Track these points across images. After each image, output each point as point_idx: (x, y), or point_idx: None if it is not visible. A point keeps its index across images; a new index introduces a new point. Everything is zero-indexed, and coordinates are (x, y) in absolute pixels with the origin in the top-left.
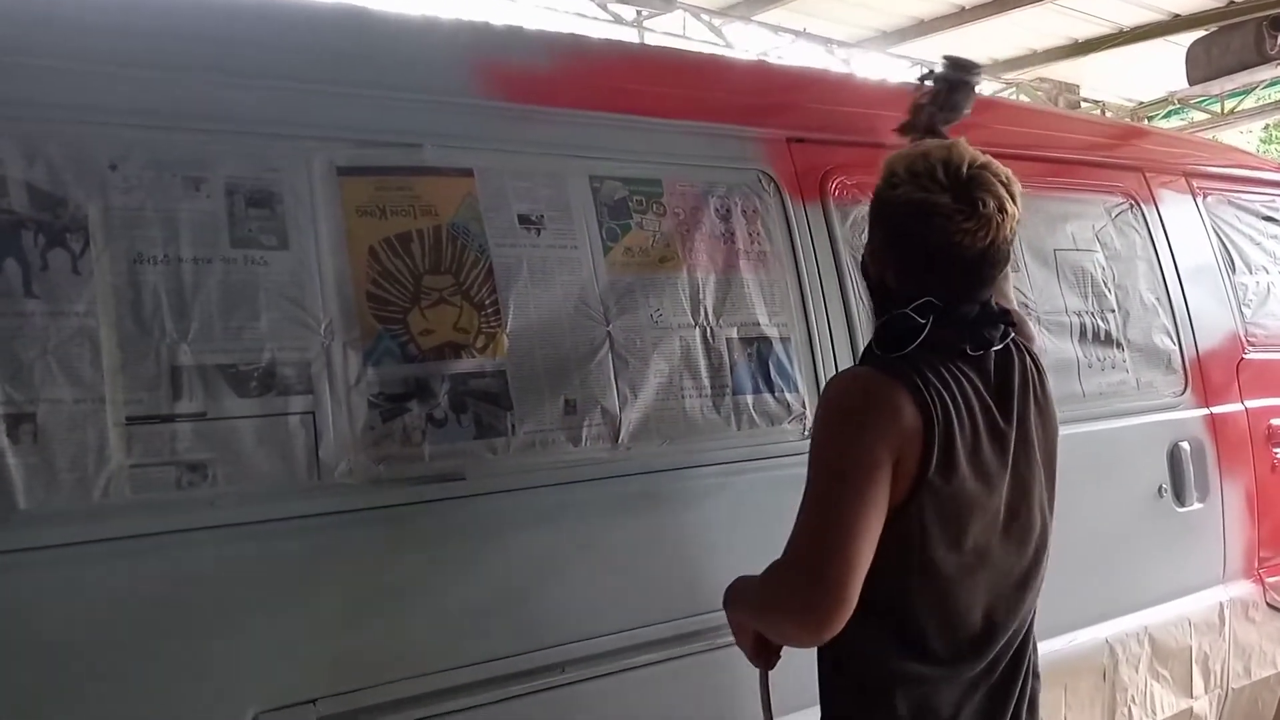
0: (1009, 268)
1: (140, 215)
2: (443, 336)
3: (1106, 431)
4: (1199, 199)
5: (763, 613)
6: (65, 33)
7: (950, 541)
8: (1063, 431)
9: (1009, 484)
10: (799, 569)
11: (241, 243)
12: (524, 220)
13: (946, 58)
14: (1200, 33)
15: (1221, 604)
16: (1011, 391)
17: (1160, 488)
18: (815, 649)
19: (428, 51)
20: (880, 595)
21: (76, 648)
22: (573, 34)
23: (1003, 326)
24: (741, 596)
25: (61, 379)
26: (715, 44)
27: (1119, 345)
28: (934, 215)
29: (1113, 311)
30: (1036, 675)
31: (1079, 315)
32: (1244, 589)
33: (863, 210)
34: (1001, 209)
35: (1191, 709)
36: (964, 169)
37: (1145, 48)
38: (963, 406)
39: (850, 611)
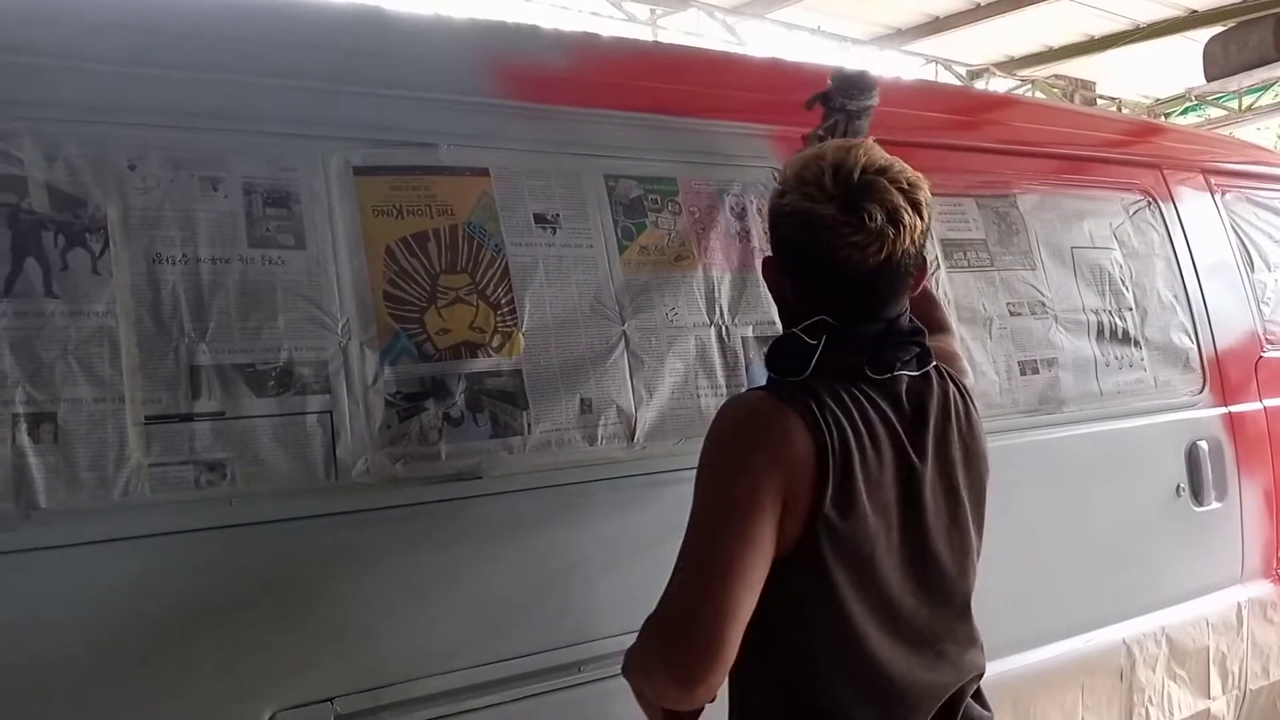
0: (935, 292)
1: (159, 215)
2: (459, 336)
3: (1124, 430)
4: (1217, 196)
5: (642, 673)
6: (83, 33)
7: (855, 587)
8: (1080, 430)
9: (924, 526)
10: (669, 621)
11: (259, 242)
12: (540, 219)
13: (836, 78)
14: (1217, 29)
15: (1240, 604)
16: (927, 423)
17: (1178, 487)
18: None
19: (443, 51)
20: (780, 657)
21: (96, 645)
22: (587, 32)
23: (915, 349)
24: (628, 659)
25: (81, 378)
26: (729, 42)
27: (1136, 343)
28: (819, 228)
29: (1130, 309)
30: None
31: (1096, 313)
32: (1263, 589)
33: None
34: (895, 221)
35: (1209, 710)
36: (855, 175)
37: (1162, 44)
38: (864, 435)
39: (726, 667)
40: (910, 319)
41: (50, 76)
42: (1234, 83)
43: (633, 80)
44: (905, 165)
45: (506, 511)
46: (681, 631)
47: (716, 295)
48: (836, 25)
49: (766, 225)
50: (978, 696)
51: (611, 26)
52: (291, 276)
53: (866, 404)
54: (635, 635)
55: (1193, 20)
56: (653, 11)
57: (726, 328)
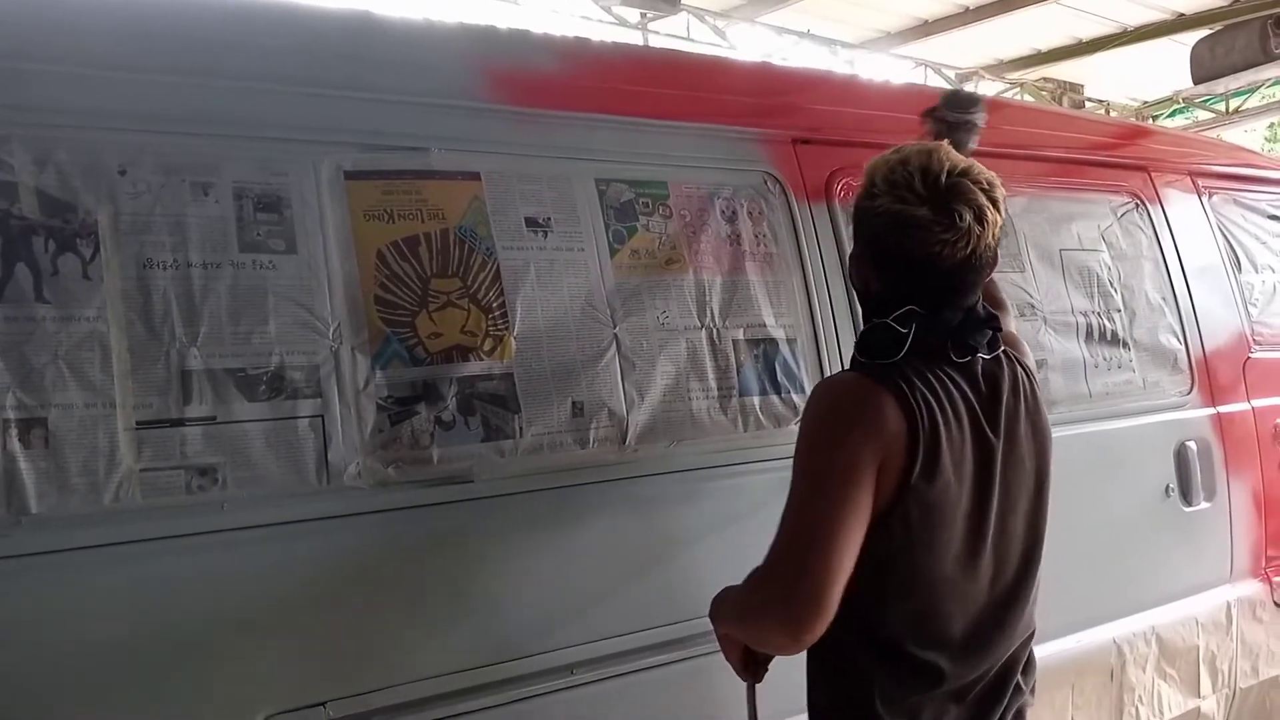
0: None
1: (150, 220)
2: (450, 339)
3: (1113, 431)
4: (1204, 198)
5: (744, 621)
6: (74, 38)
7: (932, 549)
8: (1070, 431)
9: (996, 496)
10: (779, 576)
11: (250, 247)
12: (531, 223)
13: (946, 95)
14: (1204, 32)
15: (1229, 603)
16: (1000, 401)
17: (1167, 487)
18: (805, 660)
19: (434, 55)
20: (860, 604)
21: (88, 651)
22: (578, 37)
23: (990, 333)
24: (725, 608)
25: (73, 384)
26: (719, 46)
27: (1125, 345)
28: (912, 227)
29: (1119, 311)
30: (1029, 691)
31: (1085, 315)
32: (1251, 588)
33: None
34: (980, 219)
35: (1199, 709)
36: (942, 178)
37: (1150, 47)
38: (949, 412)
39: (829, 618)
40: (984, 306)
41: (41, 82)
42: (1221, 85)
43: (623, 85)
44: (982, 166)
45: (498, 514)
46: (794, 587)
47: (707, 298)
48: (826, 29)
49: (852, 225)
50: (1028, 665)
51: (601, 31)
52: (283, 281)
53: (950, 384)
54: (626, 637)
55: (1180, 24)
56: (643, 15)
57: (717, 330)
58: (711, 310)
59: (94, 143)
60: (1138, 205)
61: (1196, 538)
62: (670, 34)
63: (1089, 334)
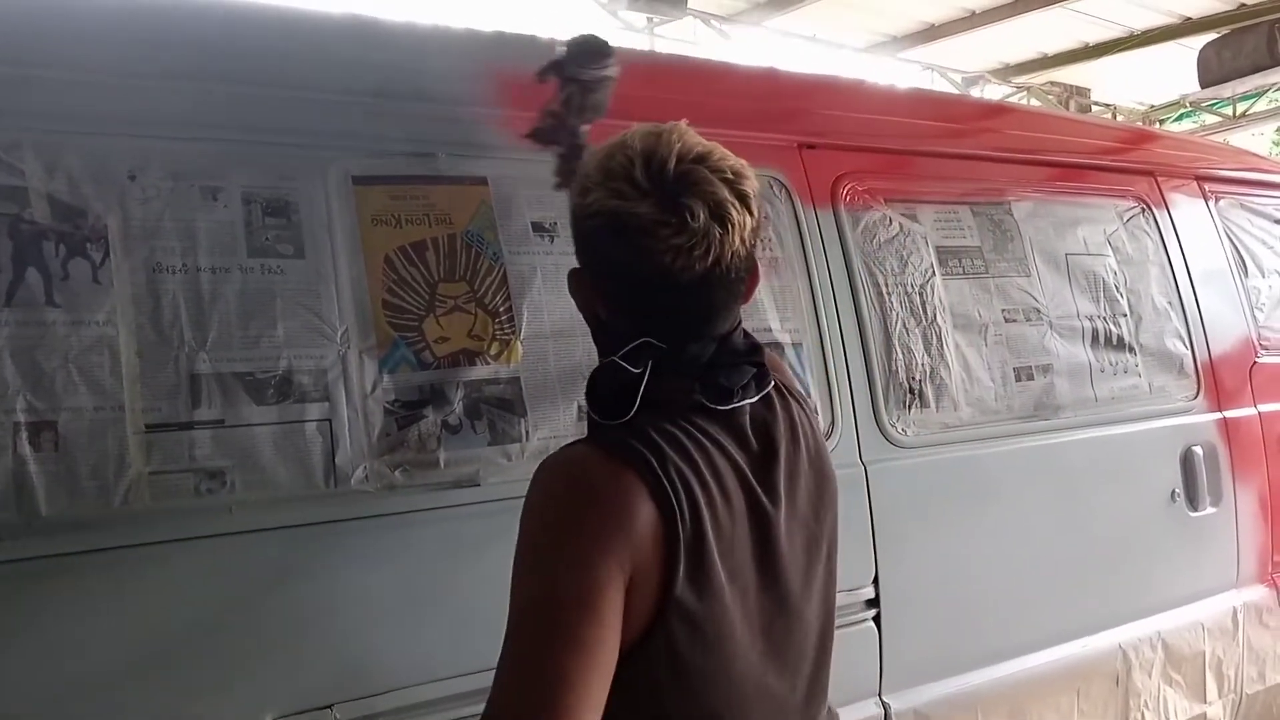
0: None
1: (159, 225)
2: (458, 344)
3: (1119, 436)
4: (1211, 202)
5: None
6: (83, 44)
7: (712, 673)
8: (1075, 436)
9: (782, 580)
10: None
11: (258, 252)
12: (538, 228)
13: (570, 43)
14: (1211, 35)
15: (1235, 609)
16: (778, 458)
17: (1173, 492)
18: None
19: (441, 60)
20: None
21: (96, 654)
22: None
23: (753, 369)
24: None
25: (82, 387)
26: (725, 50)
27: (1131, 349)
28: (632, 231)
29: (1125, 316)
30: None
31: (1091, 320)
32: (1258, 594)
33: (875, 216)
34: (721, 217)
35: (1205, 714)
36: (670, 164)
37: (1156, 51)
38: (714, 487)
39: None
40: (745, 334)
41: (51, 88)
42: (1228, 89)
43: (629, 89)
44: (726, 151)
45: (505, 518)
46: None
47: None
48: (832, 33)
49: (571, 230)
50: None
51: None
52: (291, 285)
53: (709, 445)
54: None
55: (1187, 27)
56: (649, 20)
57: None
58: None
59: (103, 148)
60: (1144, 210)
61: (1203, 543)
62: (676, 39)
63: (1095, 339)
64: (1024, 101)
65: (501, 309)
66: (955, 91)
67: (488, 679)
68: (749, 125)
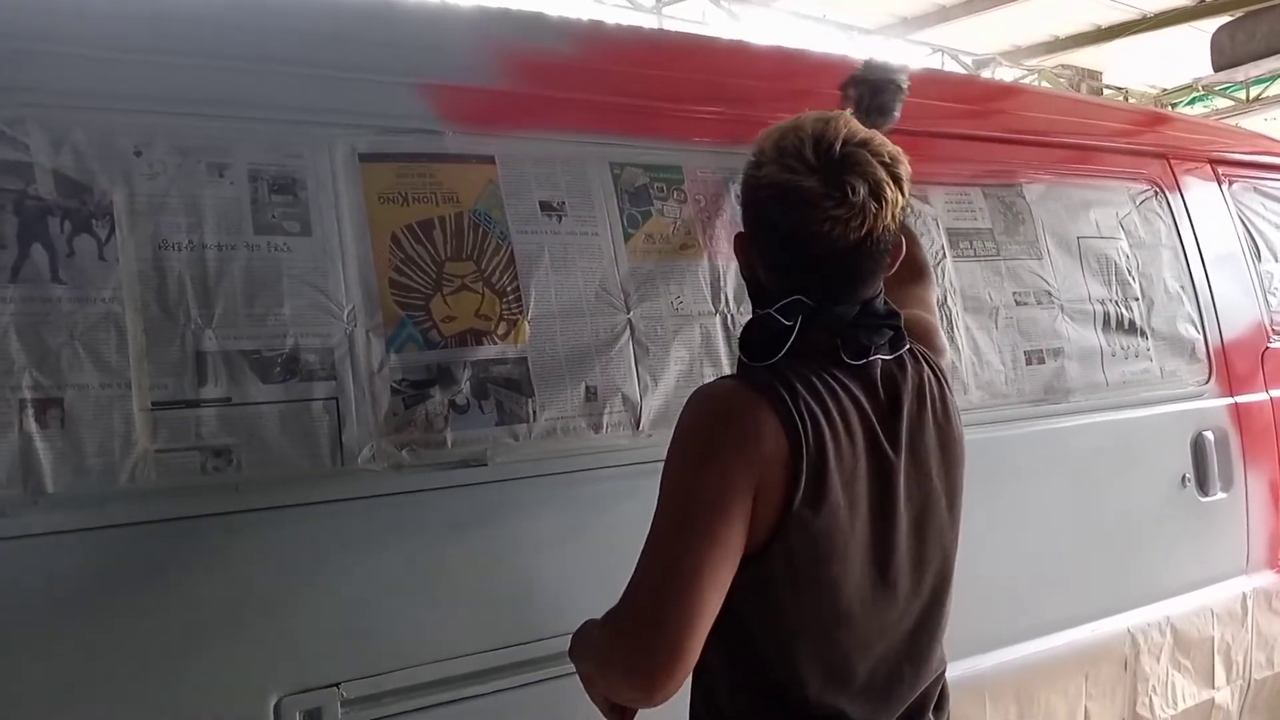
0: (931, 274)
1: (165, 201)
2: (465, 323)
3: (1130, 420)
4: (1224, 186)
5: (599, 668)
6: (89, 20)
7: (822, 583)
8: (1086, 420)
9: (900, 520)
10: (631, 622)
11: (265, 229)
12: (545, 207)
13: (867, 62)
14: (1225, 18)
15: (1244, 594)
16: (901, 410)
17: (1184, 477)
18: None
19: (449, 37)
20: (745, 647)
21: (103, 631)
22: (593, 20)
23: (890, 332)
24: (583, 646)
25: (88, 364)
26: (734, 31)
27: (1143, 334)
28: (798, 201)
29: (1137, 299)
30: None
31: (1103, 303)
32: (1267, 579)
33: None
34: (878, 195)
35: (1213, 700)
36: (837, 146)
37: (1169, 34)
38: (839, 425)
39: (688, 672)
40: (885, 301)
41: (56, 63)
42: (1241, 73)
43: (638, 68)
44: (885, 139)
45: (512, 498)
46: (644, 635)
47: (722, 283)
48: (843, 14)
49: (740, 198)
50: (940, 701)
51: (616, 14)
52: (297, 263)
53: (841, 391)
54: None
55: (1200, 10)
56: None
57: (732, 316)
58: (726, 295)
59: (109, 124)
60: (1157, 193)
61: (1213, 528)
62: (685, 19)
63: (1106, 322)
64: (1035, 84)
65: (509, 288)
66: (966, 74)
67: (496, 659)
68: (758, 105)
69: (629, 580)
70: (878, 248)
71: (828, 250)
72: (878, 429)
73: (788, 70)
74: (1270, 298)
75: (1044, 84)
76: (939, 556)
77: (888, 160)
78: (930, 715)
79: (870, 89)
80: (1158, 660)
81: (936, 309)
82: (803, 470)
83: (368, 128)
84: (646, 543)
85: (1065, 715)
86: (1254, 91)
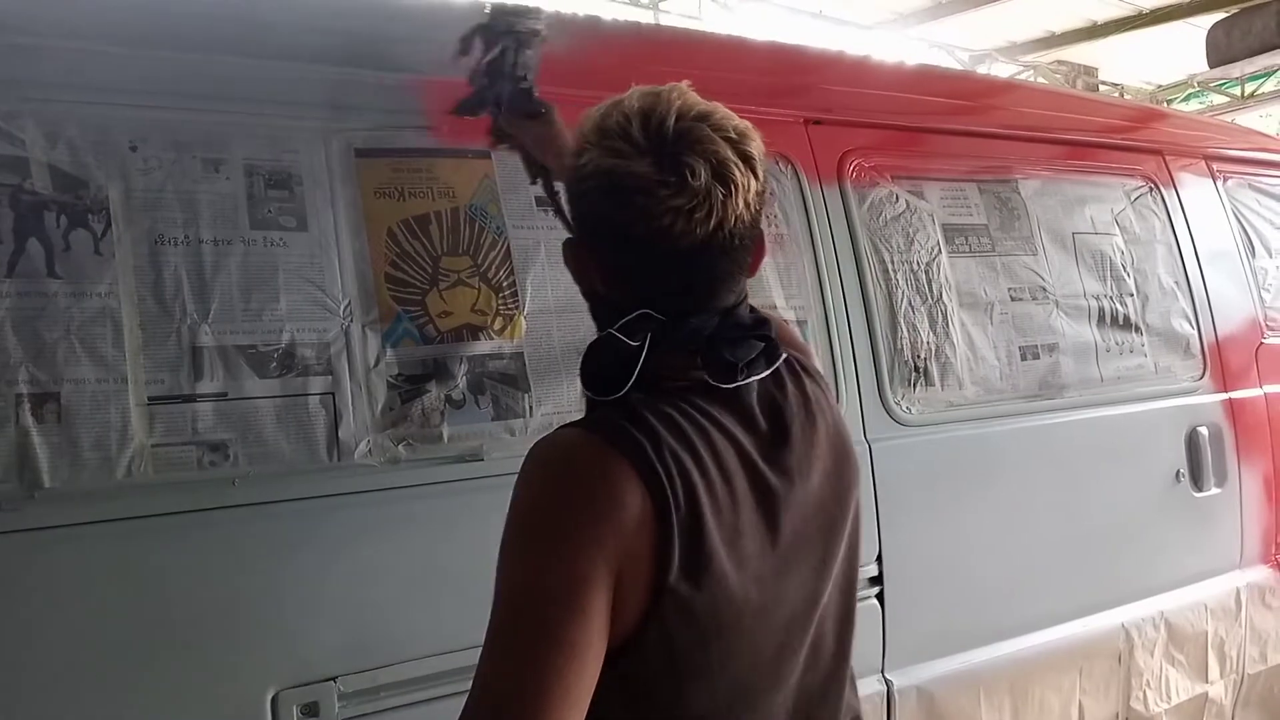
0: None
1: (161, 196)
2: (461, 318)
3: (1124, 416)
4: (1219, 182)
5: None
6: (85, 12)
7: (715, 666)
8: (1080, 416)
9: (793, 567)
10: None
11: (261, 224)
12: (541, 202)
13: (493, 5)
14: (1220, 15)
15: (1238, 589)
16: (788, 437)
17: (1178, 473)
18: None
19: (445, 33)
20: None
21: (99, 626)
22: (589, 16)
23: (760, 344)
24: None
25: (84, 359)
26: (730, 25)
27: (1137, 329)
28: (630, 190)
29: (1131, 295)
30: None
31: (1097, 299)
32: (1261, 574)
33: (881, 193)
34: (723, 178)
35: (1207, 694)
36: (669, 122)
37: (1165, 30)
38: (713, 471)
39: None
40: (751, 309)
41: (52, 57)
42: (1237, 69)
43: (634, 63)
44: (729, 111)
45: (508, 493)
46: None
47: None
48: (839, 10)
49: (564, 195)
50: None
51: (612, 9)
52: (293, 258)
53: (711, 427)
54: None
55: (1196, 6)
56: None
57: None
58: None
59: (105, 118)
60: (1152, 189)
61: (1206, 523)
62: (681, 14)
63: (1101, 318)
64: (1031, 80)
65: (505, 283)
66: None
67: None
68: (755, 100)
69: (466, 701)
70: (732, 242)
71: (671, 249)
72: (761, 467)
73: (788, 65)
74: (1264, 294)
75: (1040, 80)
76: (843, 599)
77: (734, 136)
78: None
79: (515, 41)
80: (1152, 655)
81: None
82: (674, 535)
83: (363, 123)
84: (482, 654)
85: (1059, 710)
86: (1249, 88)
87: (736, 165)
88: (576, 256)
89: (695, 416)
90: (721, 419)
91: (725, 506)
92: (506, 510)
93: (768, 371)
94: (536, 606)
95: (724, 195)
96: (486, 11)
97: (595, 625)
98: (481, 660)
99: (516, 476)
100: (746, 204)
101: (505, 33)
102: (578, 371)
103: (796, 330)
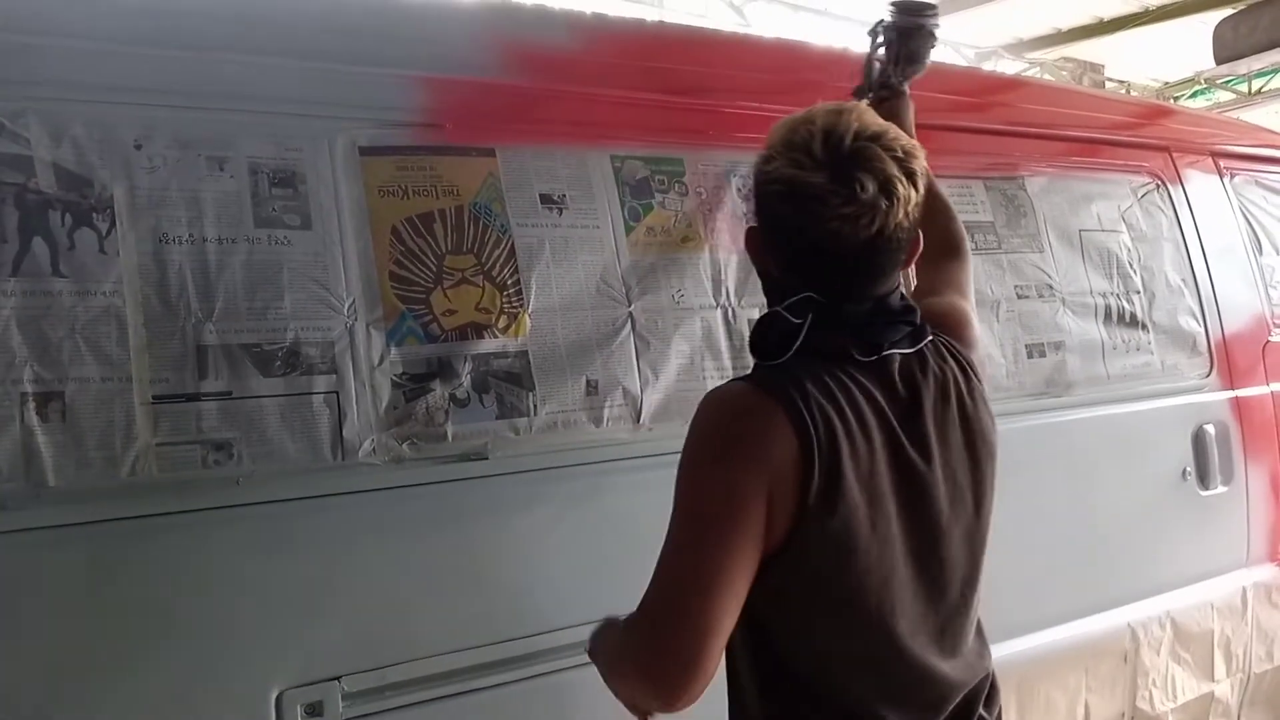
0: (967, 251)
1: (165, 195)
2: (465, 317)
3: (1130, 414)
4: (1226, 179)
5: (619, 674)
6: (89, 12)
7: (845, 584)
8: (1086, 414)
9: (921, 515)
10: (648, 633)
11: (265, 222)
12: (546, 200)
13: (894, 3)
14: (1228, 11)
15: (1244, 588)
16: (922, 406)
17: (1184, 471)
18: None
19: (450, 30)
20: (772, 653)
21: (103, 624)
22: (595, 13)
23: (906, 327)
24: (604, 647)
25: (89, 358)
26: (737, 23)
27: (1144, 327)
28: (806, 198)
29: (1138, 293)
30: None
31: (1104, 296)
32: (1268, 573)
33: None
34: (889, 192)
35: (1213, 693)
36: (846, 141)
37: (1171, 26)
38: (853, 423)
39: (708, 680)
40: (901, 296)
41: (56, 56)
42: (1244, 66)
43: (640, 61)
44: (900, 132)
45: (513, 492)
46: (661, 646)
47: (723, 277)
48: (844, 7)
49: (751, 191)
50: (989, 705)
51: (619, 8)
52: (298, 257)
53: (854, 388)
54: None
55: (1203, 3)
56: None
57: (733, 309)
58: (727, 288)
59: (109, 117)
60: (1158, 186)
61: (1213, 522)
62: (687, 11)
63: (1108, 315)
64: (1037, 77)
65: (509, 282)
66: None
67: (497, 652)
68: (759, 97)
69: (647, 588)
70: (891, 245)
71: (838, 248)
72: (895, 426)
73: (789, 63)
74: (1271, 291)
75: (1046, 77)
76: (967, 559)
77: (901, 155)
78: (982, 710)
79: (899, 34)
80: (1158, 654)
81: (972, 287)
82: (815, 470)
83: (367, 121)
84: (662, 550)
85: (1065, 709)
86: (1256, 85)
87: (901, 181)
88: (755, 242)
89: (842, 379)
90: (865, 382)
91: (862, 451)
92: (684, 444)
93: (911, 350)
94: (705, 514)
95: (887, 206)
96: (890, 6)
97: (751, 534)
98: (662, 553)
99: (694, 416)
100: (907, 213)
101: (891, 28)
102: (589, 372)
103: (973, 325)
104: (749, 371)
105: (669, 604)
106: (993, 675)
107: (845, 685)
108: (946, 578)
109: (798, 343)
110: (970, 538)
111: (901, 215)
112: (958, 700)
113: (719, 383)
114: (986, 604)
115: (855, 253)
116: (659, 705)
